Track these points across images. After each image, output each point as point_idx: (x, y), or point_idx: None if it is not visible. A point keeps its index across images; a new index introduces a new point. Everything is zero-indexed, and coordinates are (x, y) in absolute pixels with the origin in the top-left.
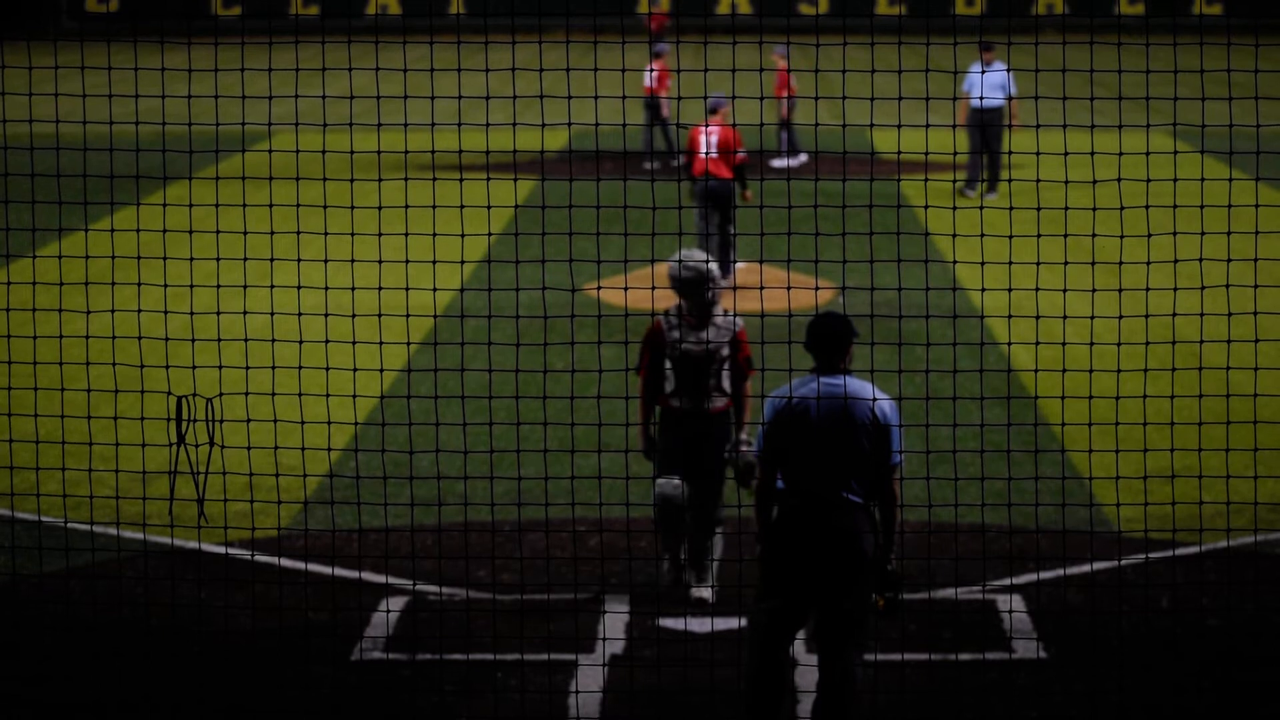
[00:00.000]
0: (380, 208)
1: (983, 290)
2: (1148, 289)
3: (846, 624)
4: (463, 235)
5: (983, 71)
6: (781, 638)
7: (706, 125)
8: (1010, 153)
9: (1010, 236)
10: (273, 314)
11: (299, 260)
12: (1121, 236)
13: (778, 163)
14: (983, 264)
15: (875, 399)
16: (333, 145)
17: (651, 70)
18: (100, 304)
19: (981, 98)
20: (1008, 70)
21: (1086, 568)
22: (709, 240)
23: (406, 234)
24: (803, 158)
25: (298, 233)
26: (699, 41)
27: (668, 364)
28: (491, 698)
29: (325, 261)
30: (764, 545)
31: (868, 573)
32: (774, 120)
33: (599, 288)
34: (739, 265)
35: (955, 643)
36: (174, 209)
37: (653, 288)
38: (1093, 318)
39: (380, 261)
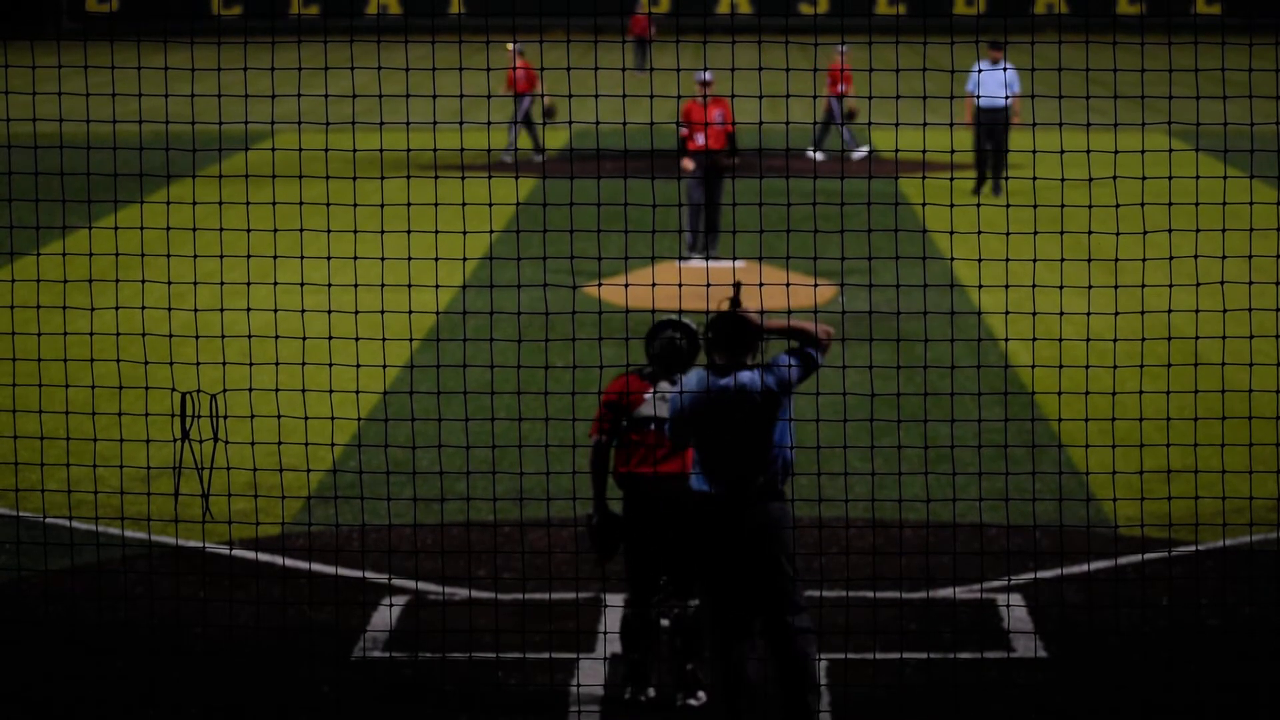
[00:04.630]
0: (383, 206)
1: (980, 287)
2: (1144, 286)
3: (781, 611)
4: (464, 233)
5: (996, 69)
6: (730, 633)
7: (705, 99)
8: (1008, 151)
9: (1008, 234)
10: (276, 311)
11: (302, 258)
12: (1118, 234)
13: (858, 154)
14: (980, 261)
15: (759, 380)
16: (335, 144)
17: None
18: (104, 301)
19: (985, 96)
20: (1015, 69)
21: (1085, 566)
22: (701, 211)
23: (409, 232)
24: (819, 156)
25: (300, 230)
26: (699, 41)
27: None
28: (493, 696)
29: (328, 259)
30: (687, 545)
31: (790, 560)
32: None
33: (600, 285)
34: (739, 264)
35: (954, 641)
36: (177, 207)
37: (653, 285)
38: (1089, 314)
39: (383, 259)
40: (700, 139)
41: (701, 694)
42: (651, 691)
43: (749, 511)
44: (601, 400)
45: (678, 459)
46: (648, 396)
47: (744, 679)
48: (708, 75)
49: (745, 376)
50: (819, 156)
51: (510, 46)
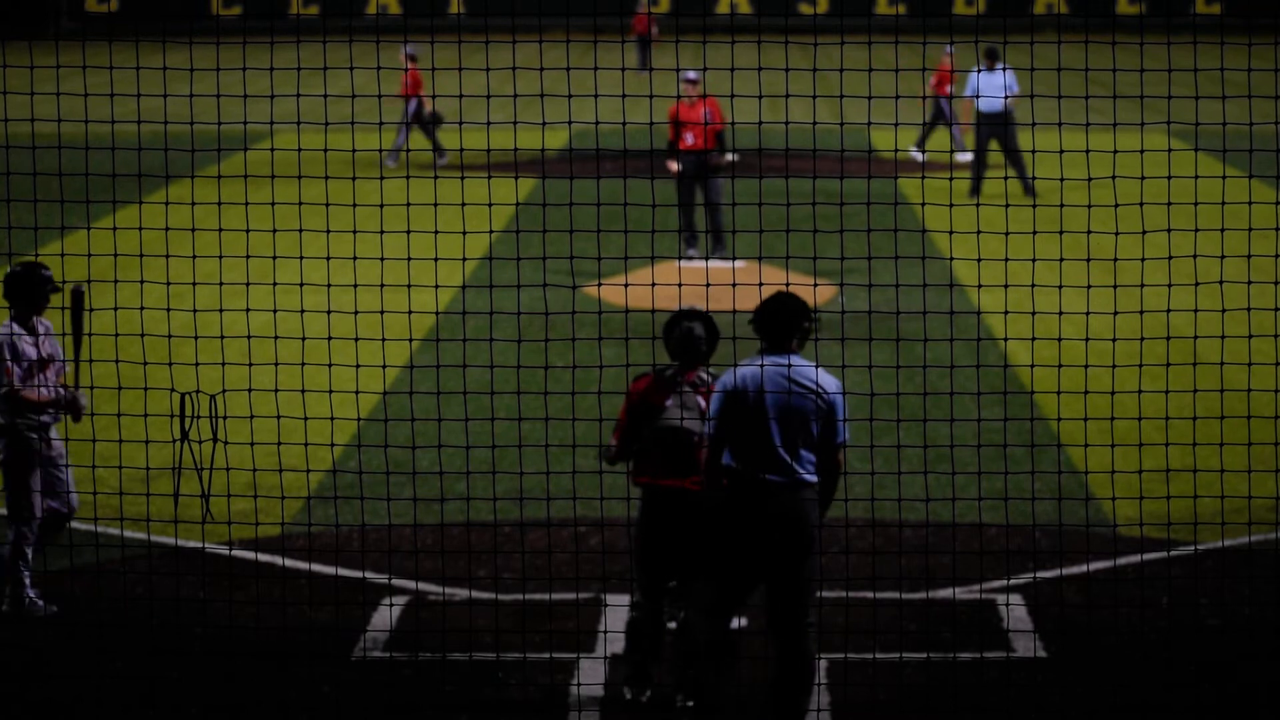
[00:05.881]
0: (382, 206)
1: (979, 287)
2: (1143, 285)
3: (796, 602)
4: (464, 233)
5: (994, 73)
6: (728, 612)
7: (698, 99)
8: (1019, 151)
9: (1007, 234)
10: (275, 311)
11: (301, 258)
12: (1117, 234)
13: (962, 156)
14: (979, 261)
15: (820, 381)
16: (334, 144)
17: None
18: (103, 302)
19: (984, 98)
20: (1013, 70)
21: (1084, 566)
22: (694, 211)
23: (408, 232)
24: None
25: (300, 230)
26: (698, 41)
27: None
28: (494, 696)
29: (327, 259)
30: (715, 524)
31: (814, 552)
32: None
33: (599, 285)
34: (738, 264)
35: (954, 641)
36: (176, 207)
37: (653, 285)
38: (1088, 314)
39: (382, 259)
40: (690, 138)
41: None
42: (650, 692)
43: (778, 498)
44: (625, 405)
45: (696, 472)
46: (670, 404)
47: (727, 651)
48: (693, 74)
49: (802, 368)
50: (920, 157)
51: (404, 50)
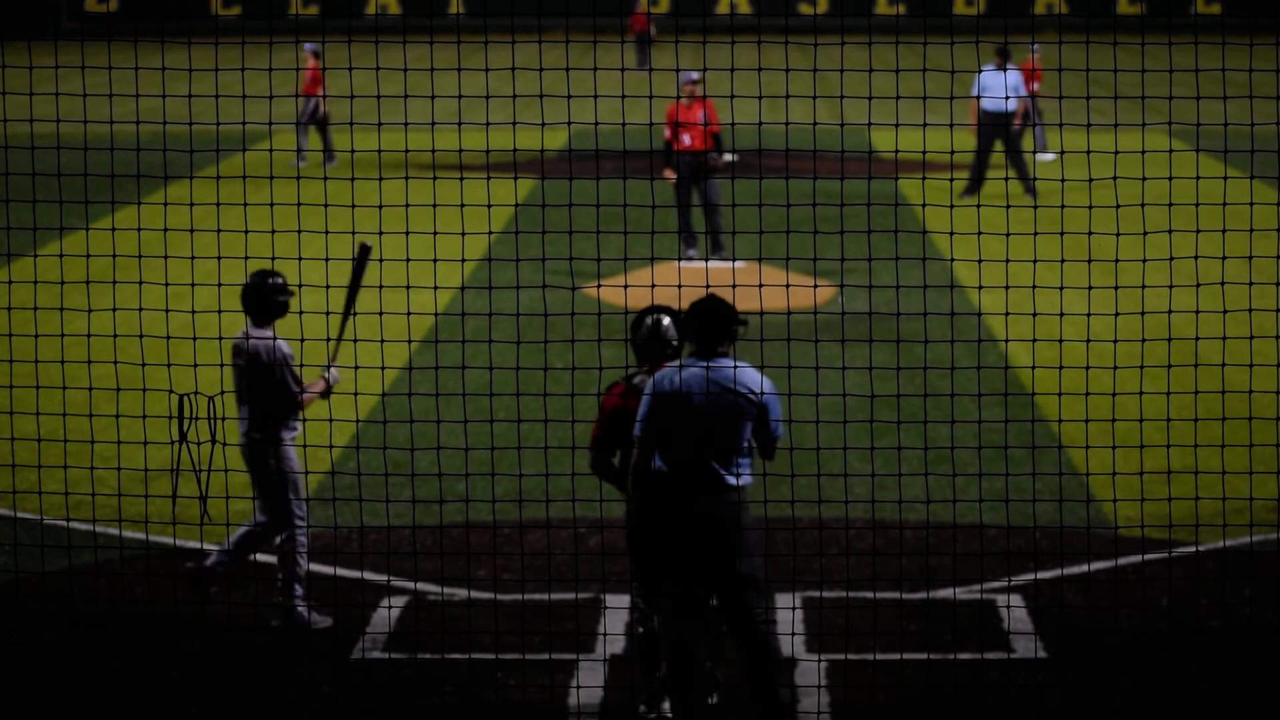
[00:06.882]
0: (381, 206)
1: (980, 288)
2: (1144, 286)
3: (741, 602)
4: (463, 234)
5: (1000, 72)
6: (685, 617)
7: (696, 100)
8: (1021, 152)
9: (1008, 234)
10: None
11: (300, 259)
12: (1118, 234)
13: (1045, 157)
14: (980, 262)
15: (749, 381)
16: (333, 144)
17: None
18: (102, 303)
19: (989, 98)
20: (1020, 71)
21: (1085, 566)
22: (691, 213)
23: (407, 233)
24: (1049, 156)
25: (298, 231)
26: (698, 41)
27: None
28: (493, 697)
29: (326, 260)
30: (649, 528)
31: (749, 553)
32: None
33: (599, 286)
34: (739, 264)
35: (954, 642)
36: (175, 208)
37: (652, 285)
38: (1089, 315)
39: (381, 260)
40: (686, 139)
41: (715, 696)
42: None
43: (701, 498)
44: (598, 416)
45: None
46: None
47: (692, 661)
48: (695, 75)
49: (731, 370)
50: (1050, 158)
51: (306, 47)
